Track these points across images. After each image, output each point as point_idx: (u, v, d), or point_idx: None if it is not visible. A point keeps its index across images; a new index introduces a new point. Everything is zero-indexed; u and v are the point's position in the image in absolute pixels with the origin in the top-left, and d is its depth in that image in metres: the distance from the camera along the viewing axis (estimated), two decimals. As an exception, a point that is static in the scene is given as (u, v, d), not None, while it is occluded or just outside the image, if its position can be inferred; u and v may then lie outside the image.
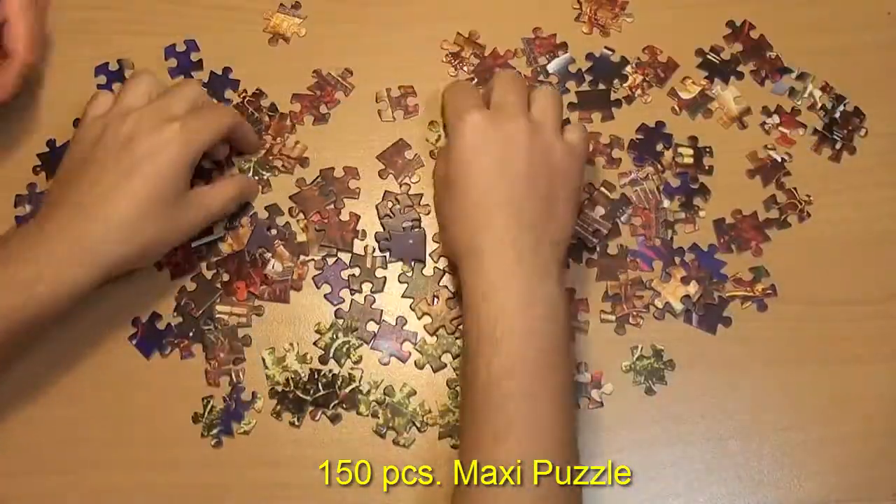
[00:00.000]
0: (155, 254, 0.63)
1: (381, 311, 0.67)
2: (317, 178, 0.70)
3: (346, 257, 0.68)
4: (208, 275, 0.67)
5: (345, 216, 0.69)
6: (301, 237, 0.68)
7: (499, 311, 0.56)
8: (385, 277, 0.67)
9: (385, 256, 0.68)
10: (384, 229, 0.69)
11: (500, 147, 0.59)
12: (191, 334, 0.66)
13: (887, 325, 0.66)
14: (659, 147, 0.71)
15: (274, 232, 0.69)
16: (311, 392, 0.64)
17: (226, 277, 0.67)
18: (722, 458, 0.63)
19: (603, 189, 0.70)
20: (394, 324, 0.66)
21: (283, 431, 0.64)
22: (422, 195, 0.69)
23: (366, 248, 0.68)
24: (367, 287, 0.67)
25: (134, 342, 0.66)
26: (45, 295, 0.56)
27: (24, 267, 0.57)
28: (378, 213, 0.69)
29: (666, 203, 0.69)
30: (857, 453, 0.63)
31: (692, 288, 0.67)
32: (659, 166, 0.70)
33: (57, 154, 0.71)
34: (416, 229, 0.69)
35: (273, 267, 0.67)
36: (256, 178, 0.70)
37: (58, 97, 0.73)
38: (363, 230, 0.69)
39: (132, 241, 0.59)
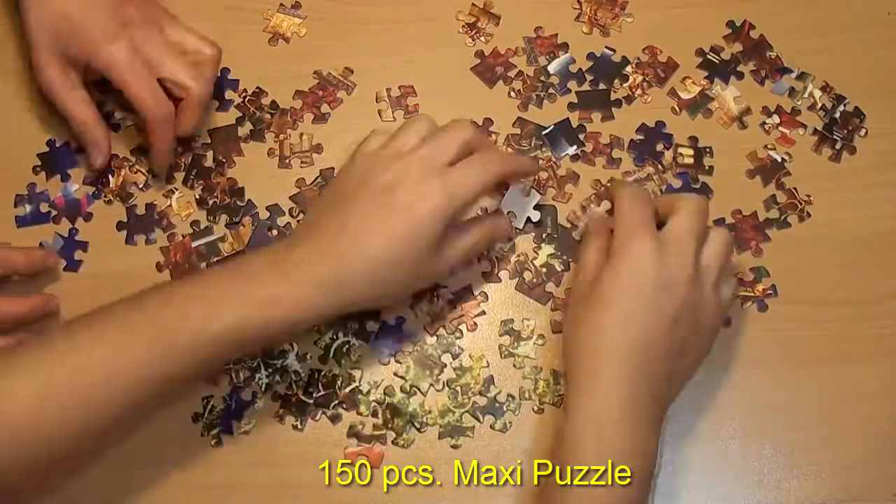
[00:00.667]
0: (395, 299, 0.63)
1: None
2: (317, 178, 0.70)
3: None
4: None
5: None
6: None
7: (594, 443, 0.55)
8: None
9: None
10: None
11: (660, 286, 0.57)
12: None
13: (887, 325, 0.66)
14: (659, 147, 0.71)
15: (275, 232, 0.69)
16: (312, 394, 0.64)
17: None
18: (722, 458, 0.63)
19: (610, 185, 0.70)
20: (393, 324, 0.66)
21: (284, 431, 0.64)
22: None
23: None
24: None
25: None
26: (280, 318, 0.56)
27: (267, 286, 0.56)
28: None
29: None
30: (857, 453, 0.63)
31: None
32: (660, 166, 0.70)
33: (57, 154, 0.71)
34: None
35: None
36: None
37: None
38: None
39: (380, 284, 0.58)
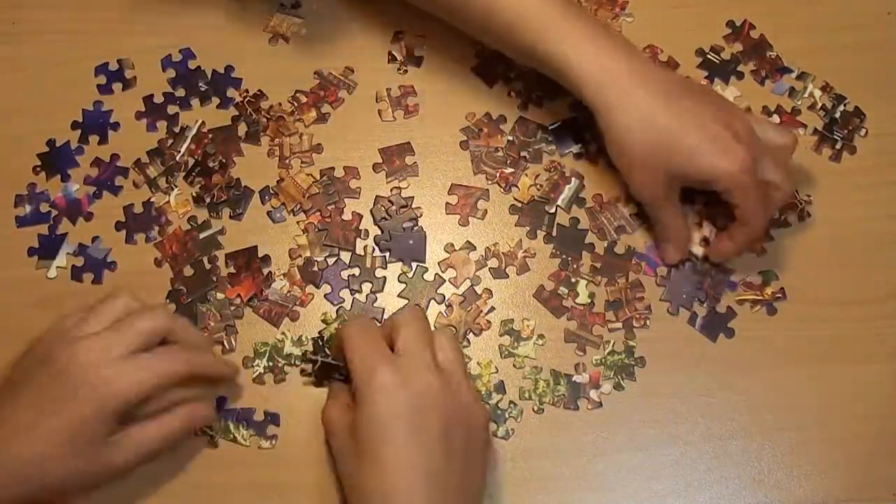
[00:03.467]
0: (70, 490, 0.57)
1: (383, 309, 0.67)
2: (322, 178, 0.70)
3: (346, 257, 0.68)
4: (207, 264, 0.68)
5: (347, 216, 0.69)
6: (302, 240, 0.68)
7: None
8: (385, 277, 0.67)
9: (385, 256, 0.68)
10: (382, 231, 0.69)
11: (414, 410, 0.54)
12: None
13: (887, 325, 0.66)
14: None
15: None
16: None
17: (232, 270, 0.68)
18: (722, 458, 0.63)
19: None
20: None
21: (284, 431, 0.64)
22: (413, 197, 0.70)
23: (365, 248, 0.68)
24: (367, 287, 0.67)
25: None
26: None
27: None
28: (374, 218, 0.69)
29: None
30: (857, 453, 0.63)
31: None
32: None
33: (57, 154, 0.71)
34: (416, 228, 0.69)
35: (278, 288, 0.67)
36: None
37: (58, 97, 0.73)
38: (365, 230, 0.69)
39: (31, 480, 0.54)
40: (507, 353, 0.65)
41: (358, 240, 0.68)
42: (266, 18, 0.75)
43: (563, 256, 0.68)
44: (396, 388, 0.55)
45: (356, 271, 0.68)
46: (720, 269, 0.67)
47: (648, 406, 0.64)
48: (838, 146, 0.71)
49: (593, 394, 0.64)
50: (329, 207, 0.69)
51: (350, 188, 0.70)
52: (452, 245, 0.68)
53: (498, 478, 0.63)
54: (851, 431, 0.64)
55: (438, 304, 0.67)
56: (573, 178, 0.70)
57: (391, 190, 0.70)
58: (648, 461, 0.63)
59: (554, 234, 0.69)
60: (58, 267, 0.68)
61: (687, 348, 0.66)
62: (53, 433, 0.54)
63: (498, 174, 0.70)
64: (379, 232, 0.69)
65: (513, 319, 0.66)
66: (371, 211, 0.69)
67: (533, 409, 0.64)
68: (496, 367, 0.65)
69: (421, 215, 0.69)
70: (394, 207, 0.69)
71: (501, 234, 0.69)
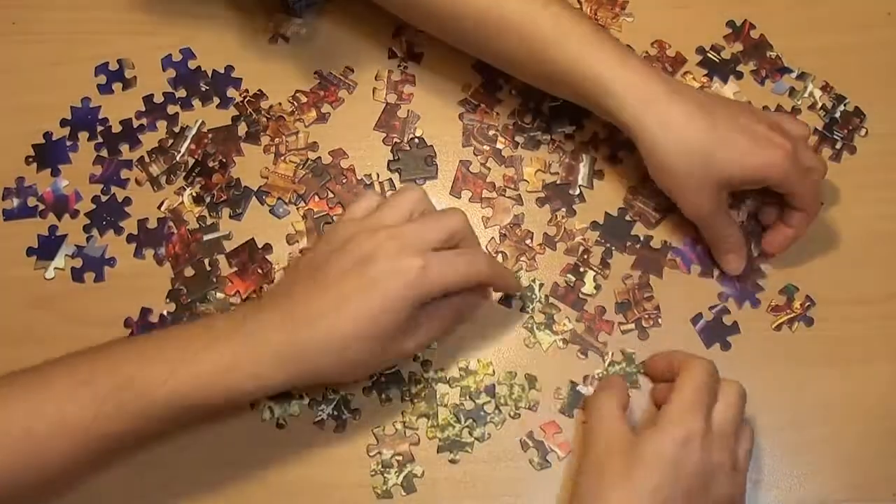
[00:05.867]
0: (359, 375, 0.61)
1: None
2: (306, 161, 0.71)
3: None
4: (208, 266, 0.68)
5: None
6: (300, 226, 0.69)
7: None
8: None
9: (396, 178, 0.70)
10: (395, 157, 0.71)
11: (695, 478, 0.54)
12: (184, 319, 0.66)
13: (887, 325, 0.66)
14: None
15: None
16: None
17: (235, 269, 0.68)
18: (722, 458, 0.63)
19: None
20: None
21: (284, 431, 0.64)
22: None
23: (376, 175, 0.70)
24: None
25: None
26: (234, 385, 0.54)
27: (224, 353, 0.54)
28: (389, 166, 0.71)
29: None
30: (857, 453, 0.63)
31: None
32: None
33: (52, 147, 0.71)
34: (427, 148, 0.71)
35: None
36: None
37: (57, 97, 0.73)
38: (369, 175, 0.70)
39: (341, 358, 0.55)
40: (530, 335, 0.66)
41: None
42: (266, 18, 0.75)
43: (607, 245, 0.68)
44: (697, 451, 0.54)
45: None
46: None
47: (648, 406, 0.64)
48: (838, 146, 0.71)
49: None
50: (325, 187, 0.70)
51: (341, 167, 0.70)
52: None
53: (497, 478, 0.63)
54: (851, 431, 0.64)
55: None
56: (583, 155, 0.70)
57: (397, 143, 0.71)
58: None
59: (601, 222, 0.69)
60: (56, 268, 0.68)
61: (686, 348, 0.65)
62: (360, 316, 0.55)
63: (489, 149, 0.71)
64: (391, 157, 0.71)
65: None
66: (388, 162, 0.71)
67: (510, 415, 0.64)
68: (493, 370, 0.65)
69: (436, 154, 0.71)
70: (407, 143, 0.71)
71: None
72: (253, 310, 0.57)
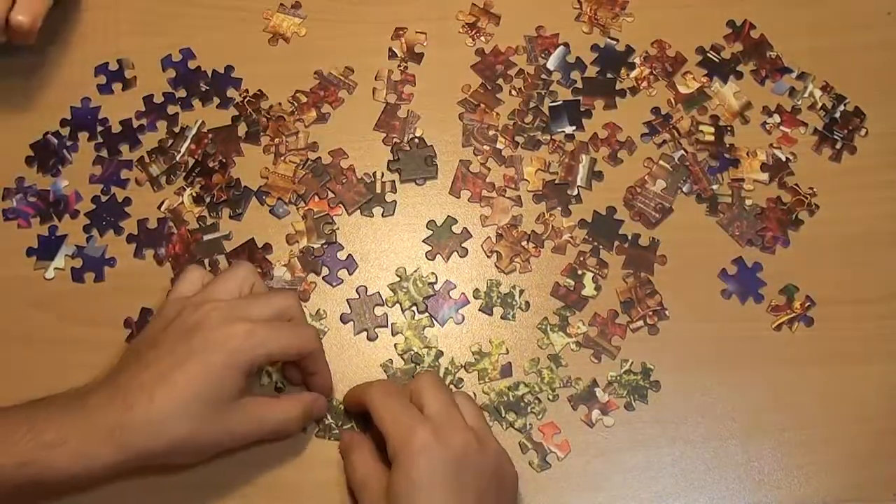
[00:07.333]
0: (192, 453, 0.58)
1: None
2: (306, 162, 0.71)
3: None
4: (208, 267, 0.68)
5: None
6: (300, 225, 0.69)
7: None
8: (395, 202, 0.69)
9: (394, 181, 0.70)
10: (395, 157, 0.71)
11: (454, 470, 0.54)
12: None
13: (887, 325, 0.66)
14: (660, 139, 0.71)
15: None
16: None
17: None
18: (722, 458, 0.63)
19: (662, 162, 0.70)
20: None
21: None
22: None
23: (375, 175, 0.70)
24: (377, 211, 0.69)
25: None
26: (61, 463, 0.53)
27: (53, 428, 0.54)
28: (389, 166, 0.70)
29: (715, 186, 0.70)
30: (857, 453, 0.63)
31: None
32: (675, 133, 0.71)
33: (52, 147, 0.71)
34: (427, 148, 0.71)
35: (281, 275, 0.67)
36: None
37: (57, 97, 0.73)
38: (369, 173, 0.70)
39: (161, 436, 0.55)
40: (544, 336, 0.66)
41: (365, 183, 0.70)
42: (266, 18, 0.75)
43: (595, 244, 0.68)
44: (436, 449, 0.54)
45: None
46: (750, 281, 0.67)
47: (648, 406, 0.64)
48: (838, 146, 0.71)
49: (603, 417, 0.64)
50: (325, 187, 0.70)
51: (341, 166, 0.70)
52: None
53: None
54: (851, 431, 0.64)
55: (461, 257, 0.68)
56: (582, 155, 0.70)
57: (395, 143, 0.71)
58: (648, 461, 0.63)
59: (590, 220, 0.69)
60: (56, 268, 0.68)
61: (687, 347, 0.66)
62: (176, 391, 0.54)
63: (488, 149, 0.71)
64: (391, 157, 0.71)
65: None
66: (388, 162, 0.71)
67: (549, 398, 0.64)
68: (507, 349, 0.65)
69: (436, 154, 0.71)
70: (406, 142, 0.71)
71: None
72: (86, 391, 0.56)
